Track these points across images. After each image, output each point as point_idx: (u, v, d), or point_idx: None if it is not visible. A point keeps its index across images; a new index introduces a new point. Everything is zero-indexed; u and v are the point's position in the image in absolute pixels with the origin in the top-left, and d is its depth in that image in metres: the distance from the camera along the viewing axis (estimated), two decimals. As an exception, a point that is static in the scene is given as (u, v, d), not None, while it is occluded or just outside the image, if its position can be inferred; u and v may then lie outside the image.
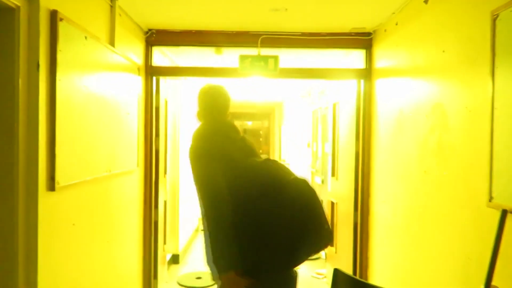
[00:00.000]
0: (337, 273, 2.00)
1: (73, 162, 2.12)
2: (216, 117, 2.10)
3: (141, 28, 3.44)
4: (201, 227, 2.02)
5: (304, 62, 4.37)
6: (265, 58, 3.48)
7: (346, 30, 3.49)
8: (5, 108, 1.73)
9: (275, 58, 3.49)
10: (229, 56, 3.97)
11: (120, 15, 2.86)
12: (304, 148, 7.91)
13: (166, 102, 4.38)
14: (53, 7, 1.91)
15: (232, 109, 2.20)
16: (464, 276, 1.97)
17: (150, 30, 3.54)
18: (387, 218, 3.13)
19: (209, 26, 3.47)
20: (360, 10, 3.00)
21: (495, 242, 1.42)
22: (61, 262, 2.07)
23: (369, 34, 3.52)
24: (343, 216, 4.11)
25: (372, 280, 3.47)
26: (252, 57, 3.49)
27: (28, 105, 1.79)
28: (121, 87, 2.86)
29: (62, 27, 1.95)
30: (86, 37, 2.23)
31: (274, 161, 2.03)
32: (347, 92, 3.98)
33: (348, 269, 3.72)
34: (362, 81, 3.64)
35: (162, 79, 3.92)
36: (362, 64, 3.67)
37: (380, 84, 3.39)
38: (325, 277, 4.71)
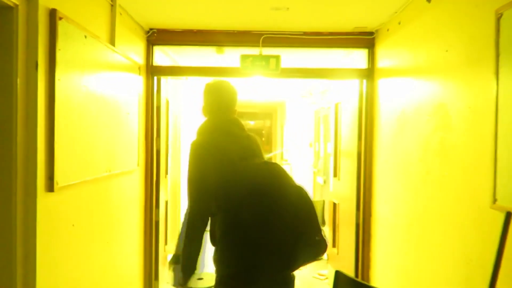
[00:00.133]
0: (338, 275, 1.98)
1: (73, 162, 2.10)
2: (220, 113, 2.03)
3: (142, 28, 3.43)
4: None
5: (306, 62, 4.35)
6: (267, 58, 3.46)
7: (348, 30, 3.46)
8: (3, 107, 1.71)
9: (277, 57, 3.47)
10: (230, 56, 3.95)
11: (120, 14, 2.84)
12: (306, 148, 7.89)
13: (168, 102, 4.36)
14: (52, 6, 1.89)
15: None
16: (466, 278, 1.94)
17: (151, 29, 3.53)
18: (389, 218, 3.11)
19: (210, 25, 3.45)
20: (362, 9, 2.98)
21: (499, 245, 1.40)
22: (61, 263, 2.06)
23: (371, 33, 3.49)
24: (345, 216, 4.09)
25: (374, 281, 3.45)
26: (254, 56, 3.46)
27: (27, 105, 1.78)
28: (121, 86, 2.84)
29: (61, 26, 1.93)
30: (86, 36, 2.22)
31: (274, 164, 1.96)
32: (349, 92, 3.96)
33: (350, 270, 3.69)
34: (364, 81, 3.62)
35: (164, 79, 3.91)
36: (364, 64, 3.64)
37: (382, 84, 3.36)
38: (327, 278, 4.68)
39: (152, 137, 3.64)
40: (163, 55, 4.06)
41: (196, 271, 1.87)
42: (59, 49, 1.92)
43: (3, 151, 1.72)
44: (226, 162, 1.84)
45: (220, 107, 2.04)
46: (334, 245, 4.61)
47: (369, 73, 3.57)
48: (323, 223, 5.32)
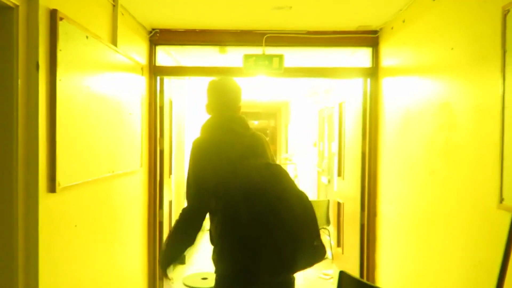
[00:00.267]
0: (342, 276, 1.95)
1: (75, 163, 2.10)
2: (223, 111, 2.00)
3: (144, 28, 3.42)
4: (207, 227, 1.98)
5: (309, 61, 4.32)
6: (270, 57, 3.44)
7: (352, 28, 3.43)
8: (4, 108, 1.70)
9: (280, 57, 3.45)
10: (233, 56, 3.94)
11: (122, 14, 2.84)
12: (310, 148, 7.86)
13: (171, 102, 4.36)
14: (53, 6, 1.88)
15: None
16: (472, 280, 1.91)
17: (154, 29, 3.52)
18: (394, 218, 3.08)
19: (213, 25, 3.43)
20: (366, 8, 2.95)
21: (506, 247, 1.37)
22: (63, 264, 2.05)
23: (375, 32, 3.46)
24: (350, 216, 4.06)
25: (379, 282, 3.42)
26: (257, 56, 3.45)
27: (28, 106, 1.77)
28: (123, 87, 2.83)
29: (62, 26, 1.92)
30: (87, 37, 2.21)
31: (276, 166, 1.91)
32: (353, 91, 3.93)
33: (354, 271, 3.67)
34: (368, 80, 3.59)
35: (167, 79, 3.90)
36: (368, 63, 3.61)
37: (386, 83, 3.33)
38: (332, 277, 4.66)
39: (155, 137, 3.63)
40: (166, 55, 4.05)
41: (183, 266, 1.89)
42: (60, 50, 1.91)
43: (4, 152, 1.71)
44: (226, 161, 1.82)
45: (223, 105, 2.02)
46: (339, 245, 4.58)
47: (373, 72, 3.54)
48: (328, 222, 5.30)
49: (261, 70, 3.47)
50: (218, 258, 1.82)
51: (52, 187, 1.89)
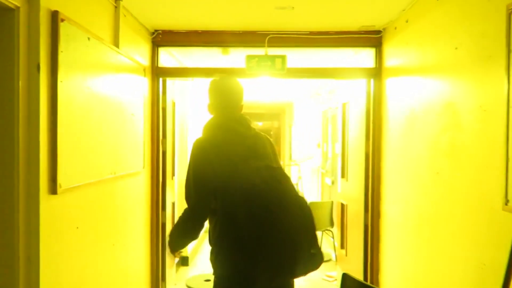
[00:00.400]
0: (345, 278, 1.93)
1: (76, 164, 2.09)
2: (225, 111, 1.98)
3: (147, 29, 3.42)
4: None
5: (312, 62, 4.30)
6: (272, 58, 3.43)
7: (355, 28, 3.42)
8: (5, 109, 1.70)
9: (283, 57, 3.44)
10: (236, 56, 3.93)
11: (124, 15, 2.83)
12: (314, 149, 7.83)
13: (174, 103, 4.35)
14: (54, 7, 1.88)
15: (243, 109, 2.09)
16: (478, 282, 1.88)
17: (156, 30, 3.52)
18: (398, 220, 3.05)
19: (215, 26, 3.43)
20: (369, 8, 2.93)
21: (512, 249, 1.35)
22: (65, 266, 2.05)
23: (378, 32, 3.44)
24: (353, 217, 4.04)
25: (383, 284, 3.39)
26: (259, 57, 3.44)
27: (29, 107, 1.77)
28: (126, 88, 2.83)
29: (63, 27, 1.92)
30: (89, 38, 2.21)
31: (277, 169, 1.88)
32: (357, 92, 3.91)
33: (358, 272, 3.64)
34: (372, 80, 3.57)
35: (170, 81, 3.89)
36: (371, 63, 3.59)
37: (390, 83, 3.31)
38: (336, 279, 4.63)
39: (158, 139, 3.63)
40: (169, 56, 4.05)
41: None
42: (61, 51, 1.91)
43: (5, 153, 1.71)
44: (226, 161, 1.80)
45: (225, 105, 2.00)
46: (342, 247, 4.56)
47: (377, 72, 3.52)
48: (332, 224, 5.27)
49: (264, 71, 3.46)
50: (216, 258, 1.80)
51: (53, 189, 1.88)
